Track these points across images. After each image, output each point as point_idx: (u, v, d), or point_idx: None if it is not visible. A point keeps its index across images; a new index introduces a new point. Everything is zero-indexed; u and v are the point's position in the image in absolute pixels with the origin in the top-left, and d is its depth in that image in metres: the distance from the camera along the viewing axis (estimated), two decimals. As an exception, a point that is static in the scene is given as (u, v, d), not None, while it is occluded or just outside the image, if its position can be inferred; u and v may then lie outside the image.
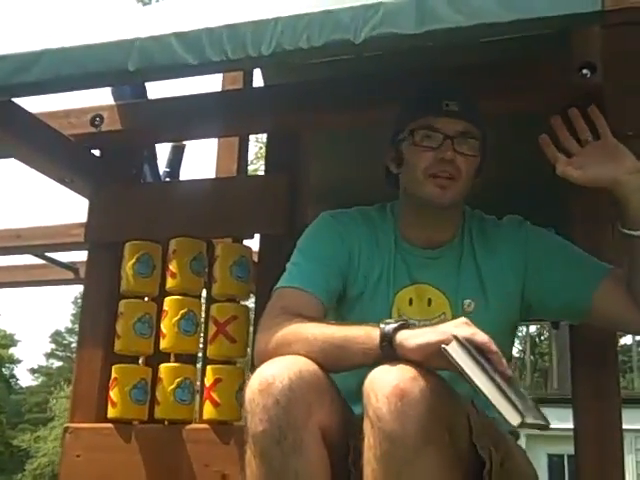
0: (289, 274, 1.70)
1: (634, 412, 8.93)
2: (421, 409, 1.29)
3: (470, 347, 1.31)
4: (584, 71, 1.79)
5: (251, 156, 10.67)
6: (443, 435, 1.33)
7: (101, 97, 2.41)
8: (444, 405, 1.34)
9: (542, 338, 19.19)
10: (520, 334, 15.54)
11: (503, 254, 1.74)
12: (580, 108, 1.82)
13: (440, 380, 1.36)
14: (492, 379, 1.27)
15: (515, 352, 18.68)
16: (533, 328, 16.86)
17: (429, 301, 1.72)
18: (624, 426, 1.81)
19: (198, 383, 2.28)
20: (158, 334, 2.20)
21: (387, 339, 1.40)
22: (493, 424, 1.58)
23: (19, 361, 43.16)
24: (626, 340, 16.85)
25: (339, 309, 1.80)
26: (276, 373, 1.39)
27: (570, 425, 1.84)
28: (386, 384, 1.32)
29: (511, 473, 1.51)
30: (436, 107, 1.69)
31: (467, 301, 1.71)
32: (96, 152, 2.42)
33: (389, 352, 1.39)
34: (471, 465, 1.42)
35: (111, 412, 2.16)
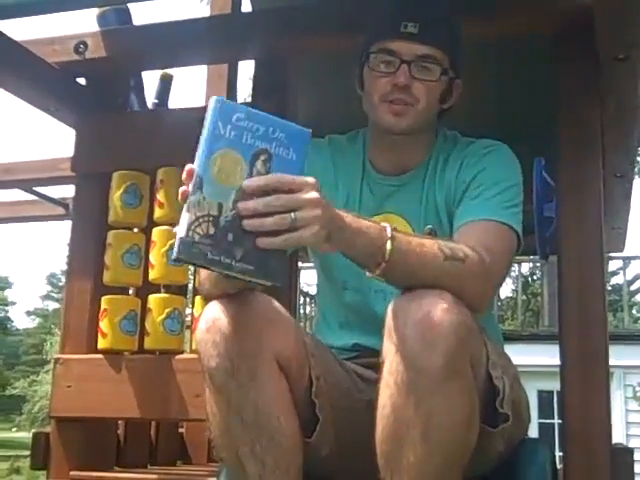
0: None
1: (623, 349, 9.02)
2: (451, 340, 1.27)
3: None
4: (575, -8, 1.75)
5: (246, 94, 10.50)
6: (467, 367, 1.33)
7: (86, 26, 2.36)
8: (471, 337, 1.33)
9: (534, 278, 19.27)
10: (513, 274, 15.58)
11: (454, 175, 1.68)
12: (569, 33, 1.79)
13: (467, 311, 1.33)
14: None
15: (508, 292, 18.78)
16: (525, 268, 16.91)
17: None
18: (614, 362, 1.80)
19: (188, 313, 2.28)
20: (147, 265, 2.19)
21: None
22: (502, 351, 1.59)
23: (13, 303, 43.47)
24: (617, 280, 16.99)
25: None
26: (220, 309, 1.37)
27: (559, 362, 1.83)
28: (416, 311, 1.29)
29: (516, 398, 1.52)
30: (394, 29, 1.61)
31: (428, 227, 1.66)
32: (81, 80, 2.37)
33: None
34: (484, 393, 1.41)
35: (101, 343, 2.16)
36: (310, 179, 1.22)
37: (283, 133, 1.20)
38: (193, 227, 1.15)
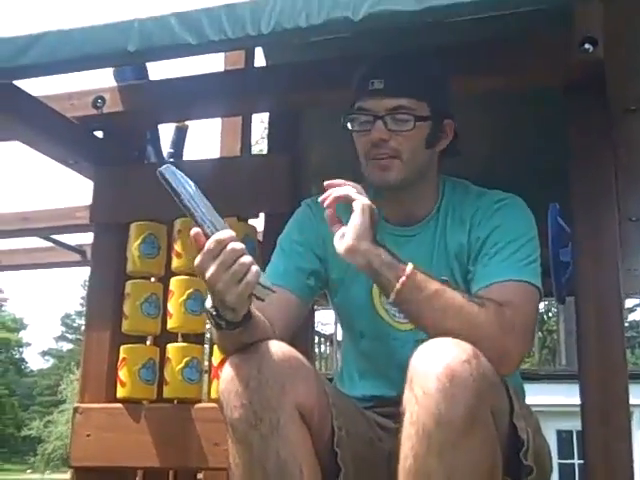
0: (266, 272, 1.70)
1: (643, 387, 8.93)
2: (470, 392, 1.28)
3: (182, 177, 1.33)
4: (586, 46, 1.75)
5: (258, 136, 10.60)
6: (488, 418, 1.33)
7: (104, 80, 2.40)
8: (491, 388, 1.34)
9: (550, 315, 19.15)
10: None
11: (466, 229, 1.68)
12: (581, 84, 1.81)
13: (488, 362, 1.34)
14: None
15: (523, 328, 18.58)
16: (541, 305, 16.82)
17: None
18: (634, 402, 1.80)
19: (206, 362, 2.29)
20: (165, 314, 2.21)
21: None
22: (523, 401, 1.59)
23: (28, 344, 43.49)
24: (635, 316, 16.84)
25: (328, 293, 1.81)
26: (243, 360, 1.39)
27: (579, 401, 1.83)
28: (437, 363, 1.30)
29: (538, 448, 1.51)
30: (363, 88, 1.65)
31: (442, 278, 1.62)
32: (99, 134, 2.42)
33: None
34: (507, 444, 1.41)
35: (120, 392, 2.17)
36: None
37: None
38: None
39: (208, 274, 1.30)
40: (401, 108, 1.62)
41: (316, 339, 11.47)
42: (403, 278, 1.42)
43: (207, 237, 1.30)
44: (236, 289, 1.29)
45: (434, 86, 1.68)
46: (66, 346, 41.17)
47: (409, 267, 1.44)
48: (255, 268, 1.30)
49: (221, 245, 1.29)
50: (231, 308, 1.34)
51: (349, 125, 1.68)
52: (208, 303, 1.39)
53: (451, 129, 1.71)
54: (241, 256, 1.30)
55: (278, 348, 1.41)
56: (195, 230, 1.31)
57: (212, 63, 2.54)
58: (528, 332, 1.52)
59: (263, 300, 1.36)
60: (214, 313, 1.38)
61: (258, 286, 1.32)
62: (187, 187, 1.32)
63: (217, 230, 1.30)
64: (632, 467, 1.76)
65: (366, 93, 1.64)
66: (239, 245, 1.30)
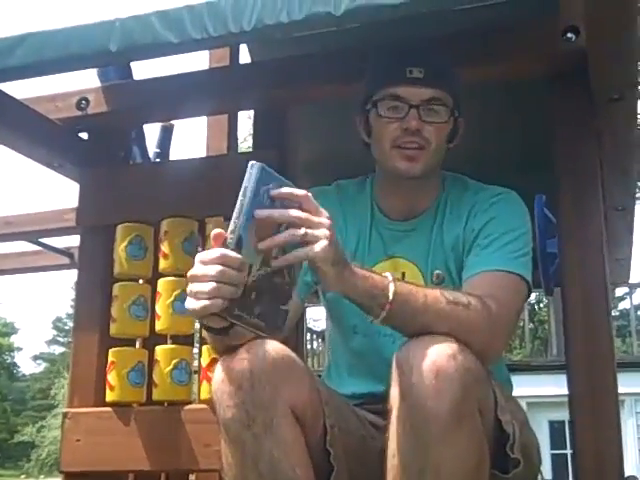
0: None
1: (634, 376, 8.97)
2: (456, 387, 1.28)
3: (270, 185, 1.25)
4: (568, 35, 1.77)
5: (245, 133, 10.61)
6: (474, 412, 1.33)
7: (87, 81, 2.39)
8: (477, 383, 1.34)
9: (541, 305, 19.22)
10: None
11: (463, 223, 1.70)
12: (564, 74, 1.81)
13: (473, 357, 1.34)
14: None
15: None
16: (532, 295, 16.88)
17: (403, 275, 1.71)
18: (624, 390, 1.80)
19: (195, 363, 2.28)
20: (153, 316, 2.19)
21: None
22: (510, 395, 1.61)
23: (19, 349, 43.36)
24: (625, 305, 16.91)
25: (321, 288, 1.80)
26: (235, 360, 1.38)
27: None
28: (422, 359, 1.30)
29: (526, 442, 1.52)
30: (399, 75, 1.65)
31: (436, 272, 1.68)
32: (84, 135, 2.40)
33: None
34: (494, 438, 1.42)
35: (109, 396, 2.16)
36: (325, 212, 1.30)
37: None
38: None
39: (189, 273, 1.25)
40: (436, 100, 1.65)
41: (308, 336, 11.50)
42: (388, 305, 1.36)
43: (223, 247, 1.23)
44: (194, 303, 1.22)
45: (458, 81, 1.72)
46: (58, 349, 41.08)
47: (391, 290, 1.36)
48: (219, 302, 1.19)
49: (219, 260, 1.20)
50: None
51: (376, 110, 1.67)
52: None
53: (463, 127, 1.74)
54: (220, 283, 1.19)
55: (270, 347, 1.39)
56: (219, 231, 1.23)
57: (198, 61, 2.53)
58: (511, 325, 1.54)
59: (221, 334, 1.30)
60: None
61: (215, 317, 1.23)
62: (257, 194, 1.23)
63: (237, 248, 1.21)
64: (621, 456, 1.77)
65: (402, 80, 1.64)
66: (232, 273, 1.20)
